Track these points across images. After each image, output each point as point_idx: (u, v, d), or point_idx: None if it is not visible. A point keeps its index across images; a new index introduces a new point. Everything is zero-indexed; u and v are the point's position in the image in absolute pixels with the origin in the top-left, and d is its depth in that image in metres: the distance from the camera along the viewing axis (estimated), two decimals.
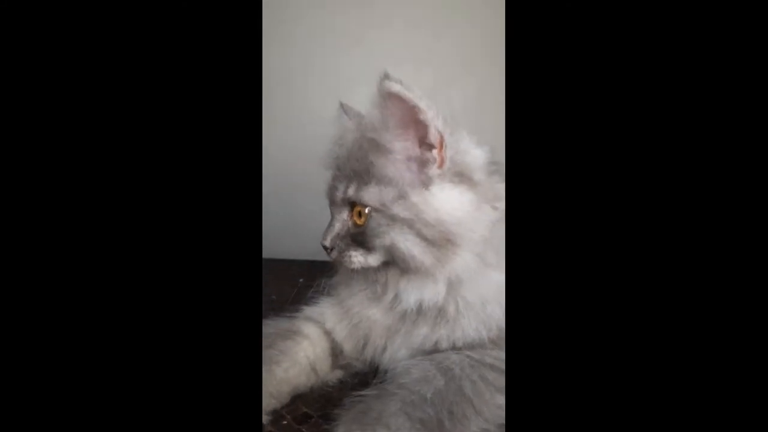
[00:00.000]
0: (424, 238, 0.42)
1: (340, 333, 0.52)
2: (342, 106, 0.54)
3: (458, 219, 0.42)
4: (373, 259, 0.45)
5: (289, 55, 1.02)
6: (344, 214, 0.46)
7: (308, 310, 0.55)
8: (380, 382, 0.45)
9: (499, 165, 0.45)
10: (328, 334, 0.52)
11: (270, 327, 0.51)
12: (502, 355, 0.42)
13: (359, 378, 0.54)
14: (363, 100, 1.08)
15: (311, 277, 0.86)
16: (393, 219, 0.42)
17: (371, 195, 0.43)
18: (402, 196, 0.42)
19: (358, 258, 0.45)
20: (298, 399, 0.49)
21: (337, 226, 0.46)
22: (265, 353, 0.47)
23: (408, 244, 0.42)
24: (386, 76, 0.39)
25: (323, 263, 0.93)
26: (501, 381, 0.40)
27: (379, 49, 1.00)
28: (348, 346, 0.52)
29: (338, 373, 0.53)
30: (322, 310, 0.54)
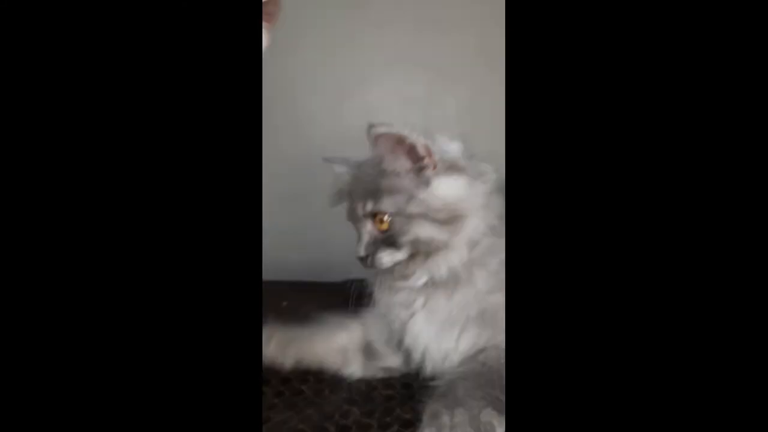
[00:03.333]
0: (438, 222, 0.52)
1: (377, 338, 0.60)
2: (326, 160, 0.64)
3: (459, 197, 0.53)
4: (401, 254, 0.55)
5: (284, 61, 0.99)
6: (368, 226, 0.56)
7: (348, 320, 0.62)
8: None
9: (472, 152, 0.57)
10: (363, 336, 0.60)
11: (323, 319, 0.62)
12: None
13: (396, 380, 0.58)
14: (357, 105, 1.06)
15: (294, 301, 0.83)
16: (410, 216, 0.53)
17: (387, 204, 0.53)
18: (412, 197, 0.53)
19: (387, 257, 0.54)
20: None
21: (366, 237, 0.56)
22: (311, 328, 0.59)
23: (427, 231, 0.53)
24: (371, 126, 0.51)
25: (307, 284, 0.90)
26: None
27: (373, 55, 1.00)
28: (380, 346, 0.59)
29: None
30: (363, 320, 0.62)
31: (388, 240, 0.54)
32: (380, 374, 0.58)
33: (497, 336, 0.50)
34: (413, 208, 0.52)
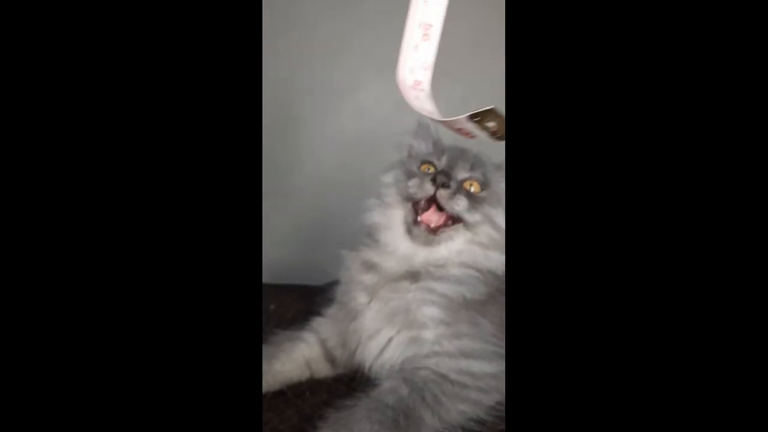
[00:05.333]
0: None
1: (332, 341, 0.61)
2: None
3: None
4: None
5: (280, 64, 1.00)
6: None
7: (313, 321, 0.63)
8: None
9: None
10: (322, 342, 0.61)
11: (278, 336, 0.62)
12: (464, 365, 0.49)
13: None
14: (349, 107, 1.06)
15: (282, 304, 0.83)
16: None
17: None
18: None
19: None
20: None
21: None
22: (268, 350, 0.58)
23: None
24: None
25: (294, 287, 0.90)
26: (462, 392, 0.48)
27: (366, 55, 1.00)
28: (338, 352, 0.60)
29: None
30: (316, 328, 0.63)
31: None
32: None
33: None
34: None
